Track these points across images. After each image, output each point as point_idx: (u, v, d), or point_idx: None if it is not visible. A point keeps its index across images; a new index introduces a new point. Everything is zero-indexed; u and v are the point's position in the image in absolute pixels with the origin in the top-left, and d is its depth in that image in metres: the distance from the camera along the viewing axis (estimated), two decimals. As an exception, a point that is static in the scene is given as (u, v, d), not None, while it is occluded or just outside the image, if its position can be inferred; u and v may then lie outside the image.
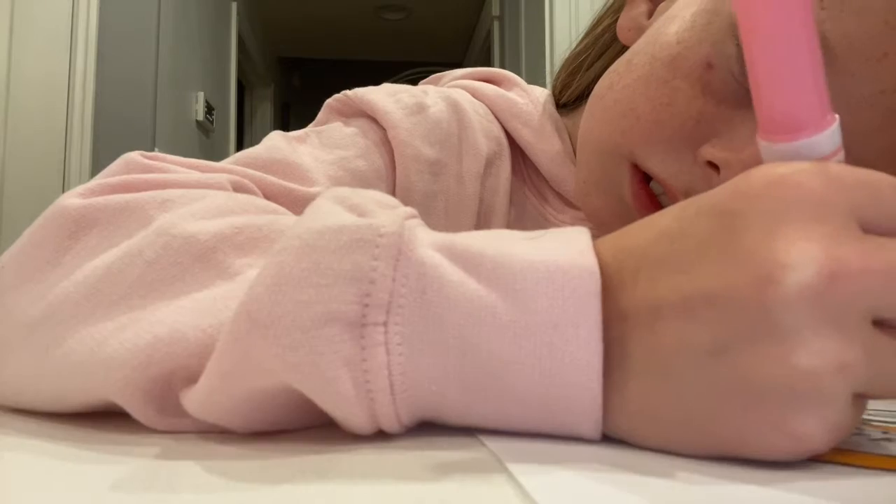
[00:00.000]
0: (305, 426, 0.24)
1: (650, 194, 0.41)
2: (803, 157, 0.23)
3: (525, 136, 0.50)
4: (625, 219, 0.41)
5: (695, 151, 0.38)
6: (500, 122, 0.50)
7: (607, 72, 0.45)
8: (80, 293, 0.26)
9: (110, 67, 1.96)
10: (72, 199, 0.29)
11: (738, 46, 0.36)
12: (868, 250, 0.19)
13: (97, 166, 1.84)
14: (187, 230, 0.26)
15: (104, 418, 0.26)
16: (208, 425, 0.24)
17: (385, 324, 0.21)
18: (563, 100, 0.53)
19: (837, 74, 0.34)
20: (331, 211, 0.23)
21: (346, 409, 0.21)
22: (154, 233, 0.26)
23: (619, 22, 0.47)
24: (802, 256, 0.19)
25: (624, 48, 0.46)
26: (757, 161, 0.23)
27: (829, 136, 0.23)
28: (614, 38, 0.49)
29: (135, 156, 0.34)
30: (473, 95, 0.51)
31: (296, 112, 4.83)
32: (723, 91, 0.37)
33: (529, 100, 0.52)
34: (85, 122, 1.85)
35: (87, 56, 1.87)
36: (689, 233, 0.21)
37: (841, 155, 0.24)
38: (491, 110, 0.51)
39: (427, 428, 0.24)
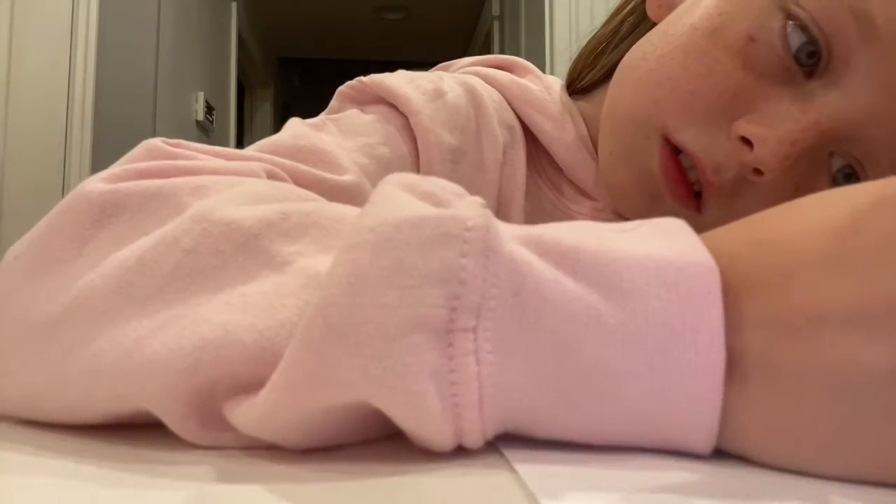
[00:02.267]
0: (366, 440, 0.22)
1: (680, 168, 0.40)
2: None
3: (540, 124, 0.48)
4: (649, 193, 0.40)
5: (729, 126, 0.37)
6: (513, 110, 0.49)
7: (638, 43, 0.44)
8: (109, 286, 0.23)
9: (110, 67, 1.96)
10: (96, 184, 0.26)
11: (782, 21, 0.36)
12: None
13: (97, 166, 1.84)
14: (228, 216, 0.23)
15: (135, 432, 0.23)
16: (251, 440, 0.21)
17: (475, 329, 0.19)
18: (582, 84, 0.52)
19: (879, 57, 0.34)
20: (403, 200, 0.20)
21: (430, 425, 0.19)
22: (190, 219, 0.23)
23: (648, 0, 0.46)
24: None
25: (650, 29, 0.45)
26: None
27: None
28: (638, 22, 0.49)
29: (157, 142, 0.31)
30: (486, 82, 0.49)
31: (296, 112, 4.80)
32: (763, 66, 0.36)
33: (543, 86, 0.50)
34: (85, 122, 1.85)
35: (87, 56, 1.87)
36: (868, 228, 0.18)
37: None
38: (504, 97, 0.49)
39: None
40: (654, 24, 0.45)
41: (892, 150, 0.33)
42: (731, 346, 0.18)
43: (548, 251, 0.19)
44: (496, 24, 3.44)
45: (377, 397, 0.19)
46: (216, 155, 0.32)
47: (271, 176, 0.31)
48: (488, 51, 3.53)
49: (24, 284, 0.25)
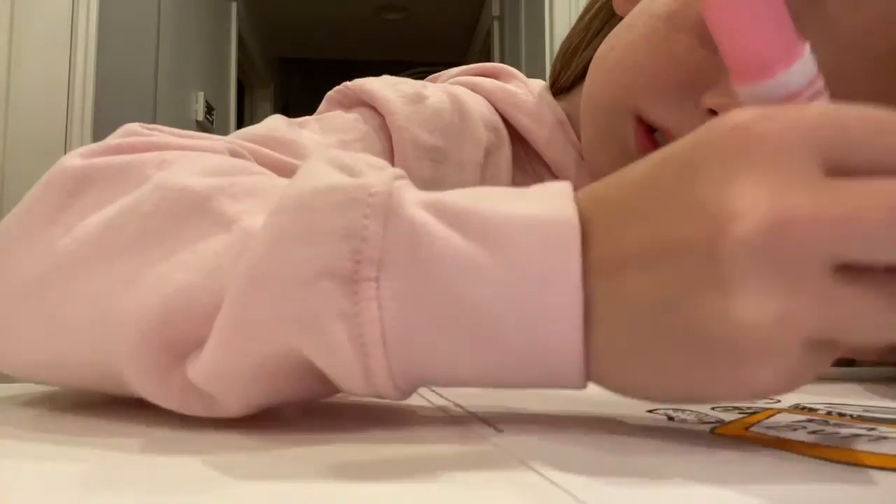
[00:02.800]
0: (305, 398, 0.25)
1: (656, 144, 0.42)
2: (778, 94, 0.22)
3: (526, 126, 0.51)
4: None
5: (697, 100, 0.39)
6: (500, 114, 0.51)
7: (607, 38, 0.46)
8: (80, 248, 0.26)
9: (110, 67, 1.96)
10: (72, 159, 0.30)
11: None
12: (825, 196, 0.18)
13: (97, 166, 1.85)
14: (183, 182, 0.26)
15: (89, 410, 0.27)
16: (204, 409, 0.24)
17: (377, 279, 0.22)
18: (561, 83, 0.54)
19: (826, 17, 0.36)
20: (323, 171, 0.24)
21: (342, 363, 0.22)
22: (151, 188, 0.27)
23: None
24: (751, 204, 0.18)
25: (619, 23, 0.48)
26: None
27: (801, 68, 0.23)
28: (608, 19, 0.51)
29: (135, 126, 0.34)
30: (472, 90, 0.52)
31: (296, 112, 4.78)
32: None
33: (528, 90, 0.53)
34: (85, 122, 1.85)
35: (87, 56, 1.87)
36: (655, 183, 0.21)
37: (819, 83, 0.23)
38: (490, 102, 0.51)
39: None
40: (621, 20, 0.47)
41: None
42: (586, 289, 0.21)
43: (444, 213, 0.22)
44: (496, 24, 3.44)
45: (296, 338, 0.22)
46: (190, 138, 0.35)
47: (234, 154, 0.34)
48: (488, 51, 3.53)
49: (11, 249, 0.29)
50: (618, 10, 0.49)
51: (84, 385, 0.29)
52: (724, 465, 0.20)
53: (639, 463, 0.21)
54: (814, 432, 0.25)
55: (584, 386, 0.23)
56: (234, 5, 3.31)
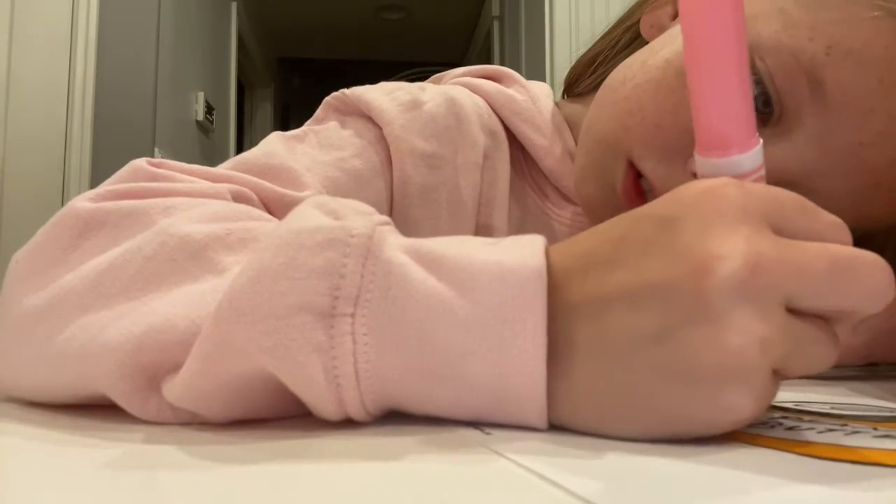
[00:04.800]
0: (281, 415, 0.26)
1: (640, 191, 0.44)
2: (729, 171, 0.27)
3: (524, 132, 0.51)
4: (613, 208, 0.43)
5: (686, 161, 0.40)
6: (499, 118, 0.52)
7: (623, 64, 0.47)
8: (83, 285, 0.28)
9: (110, 67, 1.97)
10: (83, 202, 0.32)
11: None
12: (780, 246, 0.22)
13: (97, 166, 1.85)
14: (183, 230, 0.28)
15: (93, 409, 0.28)
16: (189, 417, 0.26)
17: (353, 315, 0.23)
18: (579, 90, 0.55)
19: (826, 120, 0.38)
20: (309, 214, 0.25)
21: (316, 392, 0.23)
22: (153, 233, 0.29)
23: (643, 18, 0.49)
24: (732, 249, 0.22)
25: (643, 45, 0.48)
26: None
27: (753, 155, 0.28)
28: (634, 38, 0.51)
29: (141, 163, 0.36)
30: (473, 91, 0.52)
31: (296, 112, 4.82)
32: None
33: (529, 96, 0.53)
34: (85, 122, 1.85)
35: (87, 56, 1.87)
36: (632, 236, 0.24)
37: (761, 172, 0.29)
38: (490, 106, 0.52)
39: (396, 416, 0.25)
40: (647, 42, 0.48)
41: (829, 198, 0.38)
42: (551, 332, 0.23)
43: (422, 257, 0.24)
44: (496, 24, 3.44)
45: (272, 366, 0.23)
46: (194, 174, 0.37)
47: (238, 196, 0.37)
48: (488, 51, 3.53)
49: (20, 284, 0.31)
50: (644, 34, 0.49)
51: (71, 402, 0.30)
52: (703, 457, 0.21)
53: (634, 461, 0.21)
54: (791, 428, 0.25)
55: (545, 426, 0.24)
56: (234, 5, 3.31)
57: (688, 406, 0.22)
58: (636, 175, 0.44)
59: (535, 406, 0.23)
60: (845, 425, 0.26)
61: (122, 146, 2.03)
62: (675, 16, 0.47)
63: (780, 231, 0.23)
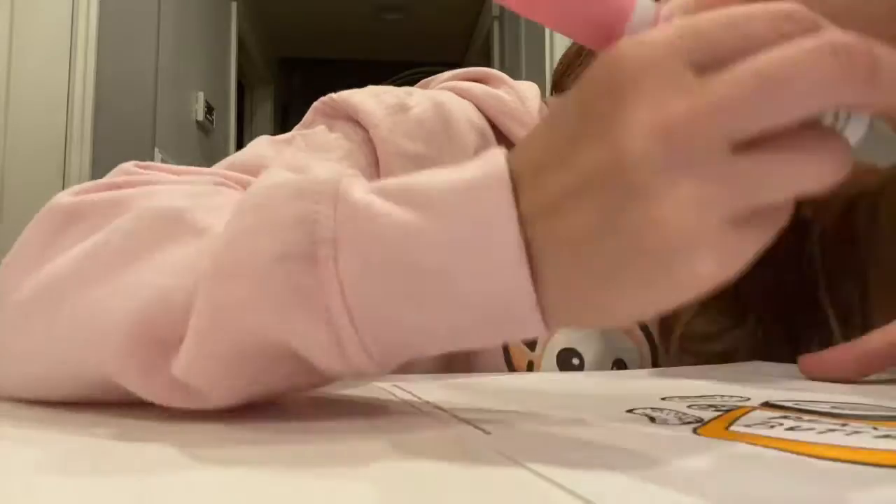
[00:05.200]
0: (285, 388, 0.26)
1: None
2: (643, 22, 0.26)
3: (515, 132, 0.51)
4: None
5: None
6: (489, 120, 0.52)
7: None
8: (68, 269, 0.28)
9: (110, 67, 1.97)
10: (65, 196, 0.32)
11: None
12: (697, 93, 0.20)
13: (97, 166, 1.85)
14: (162, 203, 0.29)
15: (88, 408, 0.28)
16: (198, 400, 0.25)
17: (334, 257, 0.23)
18: (565, 85, 0.55)
19: None
20: (277, 172, 0.26)
21: (314, 340, 0.24)
22: (132, 213, 0.29)
23: None
24: (638, 122, 0.21)
25: None
26: None
27: (641, 14, 0.26)
28: None
29: (129, 166, 0.36)
30: (461, 95, 0.52)
31: (296, 112, 4.82)
32: None
33: (517, 97, 0.53)
34: (85, 122, 1.85)
35: (87, 56, 1.87)
36: (562, 126, 0.24)
37: (666, 11, 0.26)
38: (478, 108, 0.52)
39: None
40: None
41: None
42: (524, 240, 0.23)
43: (389, 192, 0.24)
44: (496, 24, 3.44)
45: (265, 319, 0.23)
46: (180, 173, 0.37)
47: (220, 186, 0.36)
48: (488, 51, 3.53)
49: (7, 281, 0.31)
50: None
51: (70, 396, 0.30)
52: (705, 457, 0.21)
53: (627, 459, 0.21)
54: (791, 429, 0.25)
55: (545, 330, 0.24)
56: (234, 5, 3.31)
57: (652, 287, 0.22)
58: None
59: (527, 307, 0.23)
60: (845, 425, 0.26)
61: (122, 146, 2.03)
62: None
63: (709, 63, 0.21)
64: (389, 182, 0.25)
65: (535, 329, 0.24)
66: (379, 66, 4.18)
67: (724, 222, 0.20)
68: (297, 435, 0.25)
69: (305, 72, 4.94)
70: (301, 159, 0.27)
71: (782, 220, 0.22)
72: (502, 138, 0.52)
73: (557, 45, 2.23)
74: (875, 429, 0.25)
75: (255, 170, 0.41)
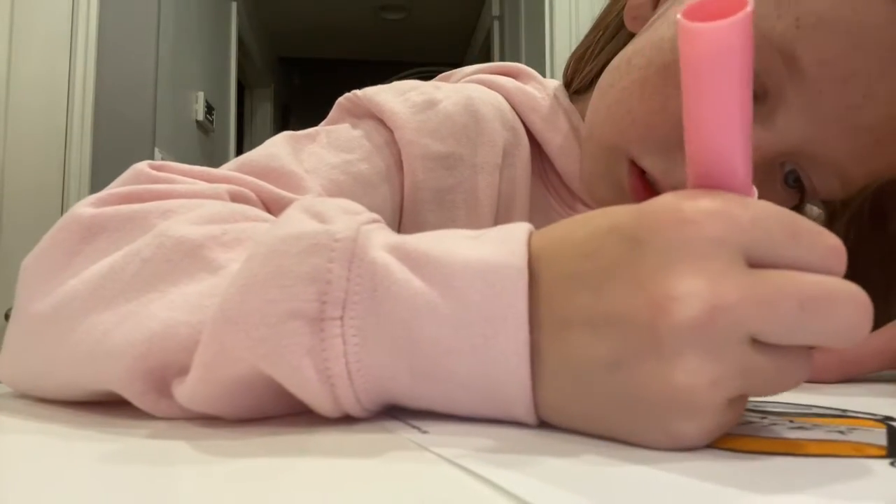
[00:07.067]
0: (288, 412, 0.27)
1: (647, 187, 0.45)
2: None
3: (541, 130, 0.51)
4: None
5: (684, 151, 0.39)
6: (518, 115, 0.51)
7: (609, 67, 0.47)
8: (86, 289, 0.29)
9: (110, 67, 1.97)
10: (85, 207, 0.33)
11: None
12: (747, 285, 0.21)
13: (97, 166, 1.85)
14: (179, 232, 0.29)
15: (104, 406, 0.29)
16: (201, 413, 0.26)
17: (341, 318, 0.24)
18: (575, 86, 0.55)
19: (808, 91, 0.38)
20: (295, 219, 0.26)
21: (312, 393, 0.24)
22: (152, 236, 0.29)
23: (626, 9, 0.49)
24: (690, 291, 0.21)
25: (631, 35, 0.48)
26: None
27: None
28: (618, 29, 0.51)
29: (143, 167, 0.37)
30: (490, 88, 0.52)
31: (296, 112, 4.83)
32: None
33: (546, 94, 0.53)
34: (85, 122, 1.85)
35: (87, 56, 1.87)
36: (600, 253, 0.23)
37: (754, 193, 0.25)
38: (509, 102, 0.51)
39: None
40: (631, 32, 0.48)
41: (832, 162, 0.40)
42: (531, 339, 0.23)
43: (406, 256, 0.24)
44: (496, 24, 3.44)
45: (268, 371, 0.24)
46: (195, 176, 0.38)
47: (236, 196, 0.37)
48: (488, 51, 3.53)
49: (28, 289, 0.32)
50: (628, 25, 0.49)
51: (80, 399, 0.31)
52: (635, 453, 0.22)
53: (579, 462, 0.21)
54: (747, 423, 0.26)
55: (535, 422, 0.24)
56: (234, 5, 3.31)
57: (638, 431, 0.22)
58: (640, 172, 0.45)
59: (521, 403, 0.24)
60: (763, 418, 0.27)
61: (122, 146, 2.03)
62: (655, 4, 0.48)
63: (761, 260, 0.22)
64: (407, 242, 0.25)
65: (526, 418, 0.24)
66: (379, 66, 4.18)
67: (724, 401, 0.22)
68: (300, 427, 0.25)
69: (305, 72, 4.94)
70: (318, 204, 0.27)
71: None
72: (530, 136, 0.51)
73: (557, 46, 2.23)
74: (791, 422, 0.27)
75: (268, 174, 0.41)
